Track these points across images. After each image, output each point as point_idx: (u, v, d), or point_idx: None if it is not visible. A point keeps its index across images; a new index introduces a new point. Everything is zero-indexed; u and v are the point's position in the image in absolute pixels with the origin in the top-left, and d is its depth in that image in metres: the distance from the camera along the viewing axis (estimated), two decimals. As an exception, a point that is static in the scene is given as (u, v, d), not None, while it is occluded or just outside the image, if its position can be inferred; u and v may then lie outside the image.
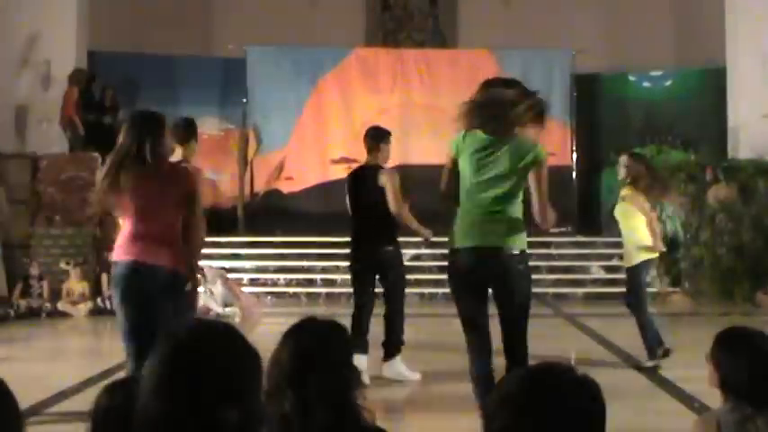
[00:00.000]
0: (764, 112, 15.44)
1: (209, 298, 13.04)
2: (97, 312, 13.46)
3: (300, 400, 2.73)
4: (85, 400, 6.43)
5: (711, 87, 17.44)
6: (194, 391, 1.88)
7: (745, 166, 15.21)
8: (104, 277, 13.96)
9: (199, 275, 6.43)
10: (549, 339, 10.75)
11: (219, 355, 1.94)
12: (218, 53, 18.47)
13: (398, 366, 8.34)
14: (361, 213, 8.36)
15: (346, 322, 7.85)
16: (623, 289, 12.07)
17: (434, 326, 11.32)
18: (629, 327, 9.28)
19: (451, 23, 20.39)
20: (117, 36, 16.80)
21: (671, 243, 14.79)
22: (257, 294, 14.30)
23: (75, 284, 13.66)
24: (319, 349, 2.82)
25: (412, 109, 18.06)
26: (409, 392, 8.08)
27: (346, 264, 12.89)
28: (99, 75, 16.54)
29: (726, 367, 3.41)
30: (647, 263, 8.96)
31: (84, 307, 13.45)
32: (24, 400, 6.65)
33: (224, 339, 1.98)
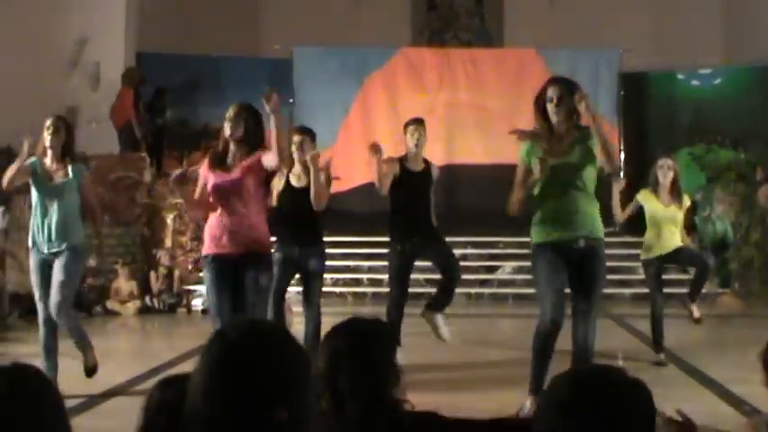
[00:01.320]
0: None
1: None
2: (145, 311, 13.61)
3: (334, 398, 2.77)
4: (133, 398, 6.50)
5: (761, 86, 17.25)
6: (243, 392, 1.89)
7: (795, 166, 15.05)
8: (152, 276, 14.12)
9: None
10: (597, 341, 10.70)
11: (269, 355, 1.94)
12: (264, 54, 18.56)
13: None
14: None
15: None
16: (669, 290, 11.98)
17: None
18: (676, 327, 9.22)
19: (498, 23, 20.35)
20: (165, 37, 16.93)
21: (720, 243, 14.66)
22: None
23: (124, 283, 13.80)
24: (351, 349, 2.85)
25: (458, 109, 18.01)
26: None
27: None
28: (147, 76, 16.69)
29: None
30: None
31: (133, 306, 13.60)
32: (74, 397, 6.72)
33: (274, 340, 1.99)
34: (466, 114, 17.98)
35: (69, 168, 7.58)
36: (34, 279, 7.60)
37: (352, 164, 17.82)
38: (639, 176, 18.20)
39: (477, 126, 17.58)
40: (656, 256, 9.12)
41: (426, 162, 9.10)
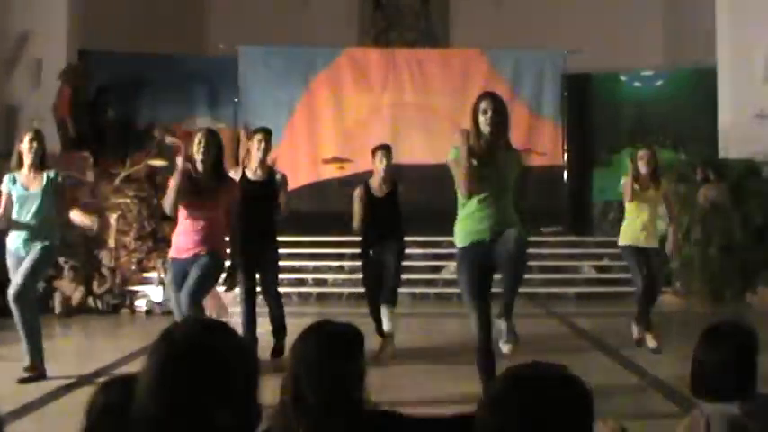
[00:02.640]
0: (754, 113, 15.50)
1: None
2: (87, 312, 13.45)
3: (297, 395, 2.85)
4: (76, 401, 6.41)
5: (702, 88, 17.46)
6: (190, 390, 1.89)
7: (735, 166, 15.24)
8: (95, 276, 13.95)
9: None
10: (541, 339, 10.79)
11: (215, 355, 1.93)
12: (209, 53, 18.46)
13: None
14: None
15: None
16: (614, 288, 12.25)
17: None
18: (621, 326, 9.32)
19: (443, 23, 20.43)
20: (109, 35, 16.73)
21: (662, 243, 14.83)
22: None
23: (67, 284, 13.63)
24: (318, 350, 2.90)
25: (404, 109, 18.06)
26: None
27: (337, 263, 13.28)
28: (90, 74, 16.50)
29: (708, 363, 3.46)
30: None
31: (76, 305, 13.45)
32: (15, 400, 6.62)
33: (220, 340, 1.98)
34: (411, 114, 18.02)
35: (45, 176, 8.18)
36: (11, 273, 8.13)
37: (297, 163, 17.79)
38: (582, 176, 18.43)
39: (423, 126, 17.65)
40: (631, 244, 9.64)
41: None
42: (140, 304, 13.74)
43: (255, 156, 9.14)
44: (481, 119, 6.57)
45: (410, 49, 19.50)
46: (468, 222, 6.50)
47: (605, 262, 15.56)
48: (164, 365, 1.93)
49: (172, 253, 7.77)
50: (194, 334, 2.00)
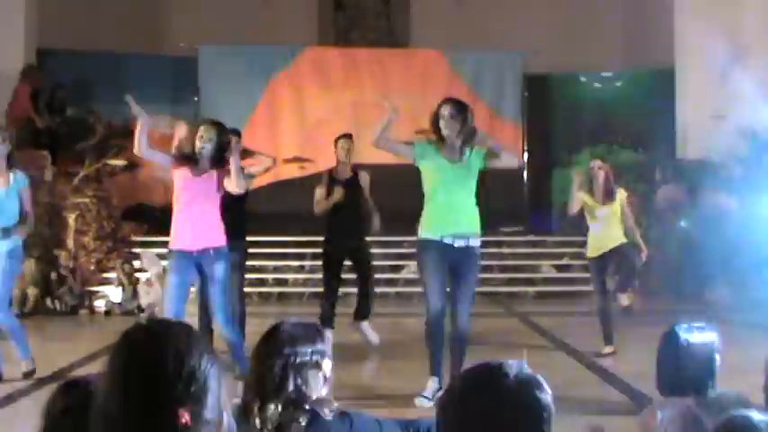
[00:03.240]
0: (712, 114, 15.65)
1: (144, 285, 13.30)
2: (43, 312, 13.31)
3: (259, 397, 2.86)
4: (34, 403, 6.36)
5: (661, 89, 17.61)
6: (150, 391, 1.88)
7: (693, 166, 15.38)
8: (53, 276, 13.81)
9: None
10: (501, 337, 10.85)
11: (176, 356, 1.93)
12: (170, 52, 18.34)
13: None
14: None
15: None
16: (574, 287, 12.32)
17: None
18: (580, 325, 9.39)
19: (404, 23, 20.43)
20: (67, 34, 16.57)
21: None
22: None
23: (24, 284, 13.48)
24: (277, 351, 2.91)
25: (364, 108, 18.04)
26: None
27: (298, 263, 13.35)
28: (48, 73, 16.32)
29: (665, 360, 3.62)
30: None
31: (32, 306, 13.33)
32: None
33: (181, 340, 1.97)
34: (371, 114, 17.96)
35: (11, 176, 8.22)
36: None
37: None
38: (542, 176, 18.52)
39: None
40: (596, 256, 9.60)
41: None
42: (100, 305, 13.64)
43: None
44: (441, 123, 7.12)
45: (371, 48, 19.49)
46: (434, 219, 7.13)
47: (565, 261, 15.64)
48: (125, 366, 1.92)
49: (175, 244, 7.50)
50: (155, 334, 1.99)
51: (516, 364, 2.07)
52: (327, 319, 9.48)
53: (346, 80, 18.20)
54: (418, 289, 8.61)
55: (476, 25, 18.83)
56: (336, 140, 10.17)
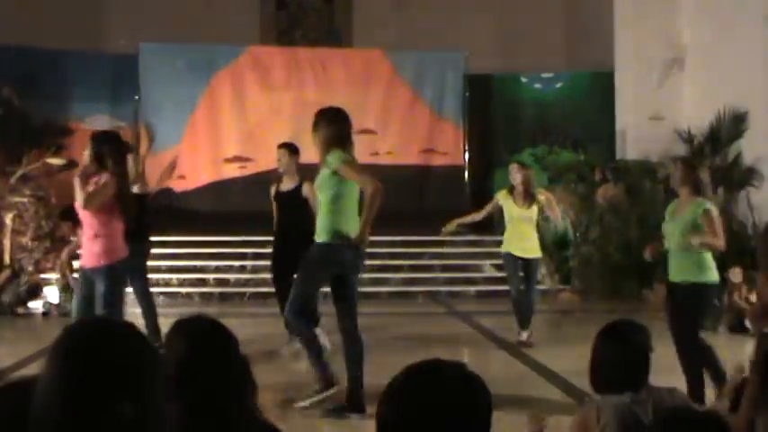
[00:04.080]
0: (650, 115, 15.86)
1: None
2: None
3: (186, 404, 2.72)
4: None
5: (600, 90, 17.81)
6: (90, 388, 1.86)
7: (632, 167, 15.55)
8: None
9: None
10: (441, 336, 10.89)
11: (116, 351, 1.91)
12: (110, 49, 18.15)
13: None
14: None
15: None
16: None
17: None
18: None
19: (346, 23, 20.43)
20: (7, 29, 16.31)
21: (561, 242, 15.08)
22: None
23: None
24: (198, 353, 2.83)
25: (306, 108, 17.96)
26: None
27: (239, 263, 13.44)
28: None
29: (601, 357, 3.67)
30: None
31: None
32: None
33: (121, 336, 1.96)
34: (313, 114, 17.95)
35: None
36: None
37: (197, 162, 17.66)
38: (483, 176, 18.61)
39: (325, 125, 17.60)
40: (512, 253, 10.18)
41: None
42: (36, 306, 13.43)
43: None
44: None
45: (313, 48, 19.45)
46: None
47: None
48: (66, 363, 1.90)
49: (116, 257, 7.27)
50: (94, 330, 1.97)
51: (456, 364, 2.09)
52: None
53: (288, 79, 18.15)
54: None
55: (417, 26, 18.89)
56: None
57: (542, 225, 11.88)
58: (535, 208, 10.21)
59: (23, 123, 15.98)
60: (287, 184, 9.97)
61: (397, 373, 2.09)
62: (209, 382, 2.78)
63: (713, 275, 6.86)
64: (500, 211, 10.48)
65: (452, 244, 16.22)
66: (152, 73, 17.70)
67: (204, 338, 2.88)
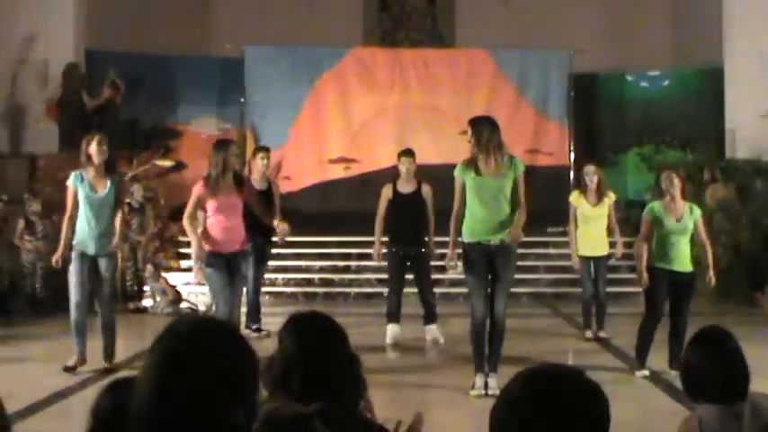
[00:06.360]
0: (762, 113, 15.45)
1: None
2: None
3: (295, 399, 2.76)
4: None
5: (709, 87, 17.44)
6: (192, 390, 1.85)
7: (742, 167, 15.21)
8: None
9: None
10: (548, 338, 10.81)
11: (219, 353, 1.90)
12: (216, 53, 18.45)
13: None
14: None
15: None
16: (620, 288, 12.23)
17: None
18: (628, 326, 9.38)
19: (449, 23, 20.39)
20: (115, 35, 16.71)
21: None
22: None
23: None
24: (321, 347, 2.87)
25: (410, 109, 18.03)
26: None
27: (344, 263, 13.65)
28: (96, 74, 16.43)
29: (697, 368, 3.54)
30: None
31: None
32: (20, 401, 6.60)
33: (223, 337, 1.95)
34: (417, 115, 17.99)
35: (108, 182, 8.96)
36: None
37: (302, 164, 17.80)
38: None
39: (429, 126, 17.61)
40: (585, 256, 10.73)
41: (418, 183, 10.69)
42: (147, 303, 13.76)
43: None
44: None
45: (416, 49, 19.46)
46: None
47: (611, 262, 15.48)
48: (165, 363, 1.89)
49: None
50: (196, 330, 1.96)
51: (575, 370, 2.03)
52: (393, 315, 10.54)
53: (391, 81, 18.18)
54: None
55: (521, 25, 18.76)
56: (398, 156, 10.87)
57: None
58: (604, 205, 10.78)
59: (132, 126, 16.33)
60: (406, 187, 10.59)
61: (515, 376, 2.04)
62: (328, 378, 2.83)
63: None
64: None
65: (556, 245, 16.06)
66: (257, 75, 17.91)
67: (321, 335, 2.94)
